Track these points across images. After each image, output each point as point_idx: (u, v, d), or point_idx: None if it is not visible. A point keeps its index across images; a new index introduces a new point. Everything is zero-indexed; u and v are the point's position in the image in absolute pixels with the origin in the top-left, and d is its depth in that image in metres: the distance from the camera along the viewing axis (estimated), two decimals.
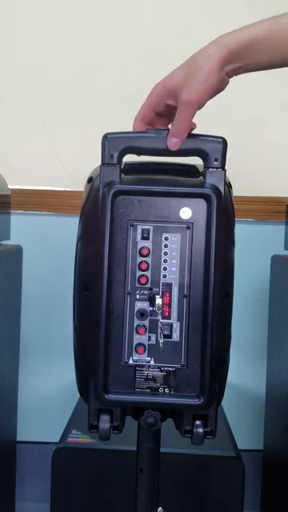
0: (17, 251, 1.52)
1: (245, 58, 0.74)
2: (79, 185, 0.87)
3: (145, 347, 0.76)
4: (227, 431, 1.42)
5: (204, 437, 0.79)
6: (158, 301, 0.76)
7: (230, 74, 0.77)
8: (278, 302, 1.49)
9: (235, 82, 1.60)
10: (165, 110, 0.80)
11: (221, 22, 1.68)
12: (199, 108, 0.75)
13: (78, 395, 0.84)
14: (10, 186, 1.51)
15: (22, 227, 1.63)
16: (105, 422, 0.78)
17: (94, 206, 0.77)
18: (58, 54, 1.69)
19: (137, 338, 0.77)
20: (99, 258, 0.75)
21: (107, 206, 0.75)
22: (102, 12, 1.68)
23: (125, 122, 1.49)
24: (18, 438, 1.63)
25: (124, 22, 1.68)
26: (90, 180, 0.82)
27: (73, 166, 1.66)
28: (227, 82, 0.77)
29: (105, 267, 0.75)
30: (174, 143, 0.77)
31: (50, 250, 1.68)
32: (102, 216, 0.75)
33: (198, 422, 0.78)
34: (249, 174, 1.68)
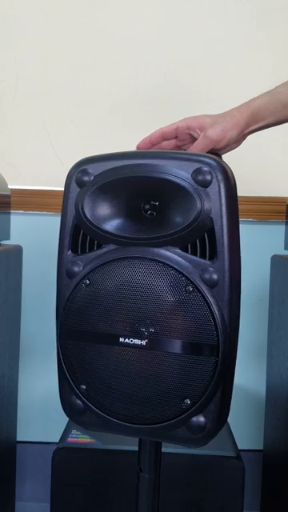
0: (17, 251, 1.52)
1: (258, 120, 0.98)
2: None
3: None
4: (227, 431, 1.42)
5: None
6: None
7: (247, 135, 1.00)
8: (277, 302, 1.49)
9: (235, 82, 1.61)
10: (182, 135, 1.00)
11: (220, 21, 1.68)
12: (213, 147, 0.96)
13: None
14: (9, 186, 1.51)
15: (22, 227, 1.63)
16: None
17: None
18: (59, 53, 1.69)
19: None
20: None
21: None
22: (102, 12, 1.68)
23: (124, 121, 1.50)
24: (18, 438, 1.63)
25: (124, 21, 1.68)
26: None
27: None
28: (241, 143, 1.00)
29: None
30: None
31: (49, 250, 1.67)
32: None
33: None
34: (249, 174, 1.68)
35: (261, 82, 1.61)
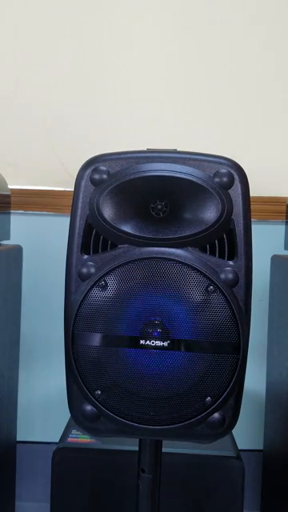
0: (17, 251, 1.52)
1: None
2: None
3: None
4: None
5: None
6: None
7: None
8: (277, 301, 1.49)
9: (236, 81, 1.61)
10: None
11: (221, 22, 1.68)
12: None
13: None
14: (9, 186, 1.51)
15: (22, 227, 1.63)
16: None
17: None
18: (59, 53, 1.69)
19: None
20: None
21: None
22: (103, 12, 1.68)
23: (125, 121, 1.49)
24: (18, 438, 1.63)
25: (125, 23, 1.68)
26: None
27: (73, 166, 1.66)
28: None
29: None
30: None
31: (49, 250, 1.68)
32: None
33: None
34: (249, 174, 1.67)
35: (264, 75, 1.62)
